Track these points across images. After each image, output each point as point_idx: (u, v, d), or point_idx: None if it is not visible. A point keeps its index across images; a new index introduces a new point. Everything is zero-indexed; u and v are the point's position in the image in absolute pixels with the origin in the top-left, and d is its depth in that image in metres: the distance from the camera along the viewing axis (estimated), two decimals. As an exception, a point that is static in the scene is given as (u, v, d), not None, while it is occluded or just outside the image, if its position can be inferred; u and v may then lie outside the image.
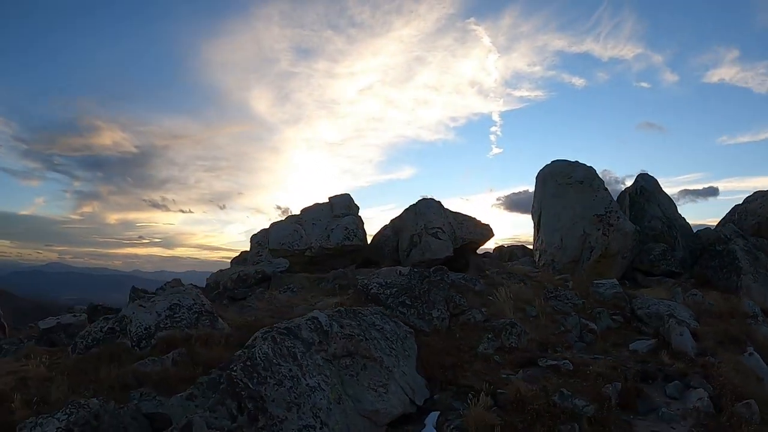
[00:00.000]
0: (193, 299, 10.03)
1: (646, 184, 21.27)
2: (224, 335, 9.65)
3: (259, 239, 17.79)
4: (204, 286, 14.91)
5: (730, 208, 20.81)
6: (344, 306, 11.63)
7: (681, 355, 10.78)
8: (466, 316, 11.70)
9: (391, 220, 18.44)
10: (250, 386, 6.02)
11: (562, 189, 18.76)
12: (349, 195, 17.97)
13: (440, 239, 15.66)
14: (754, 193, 20.13)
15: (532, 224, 20.37)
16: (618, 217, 17.25)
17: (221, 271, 14.43)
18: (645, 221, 19.63)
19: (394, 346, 8.83)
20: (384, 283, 11.55)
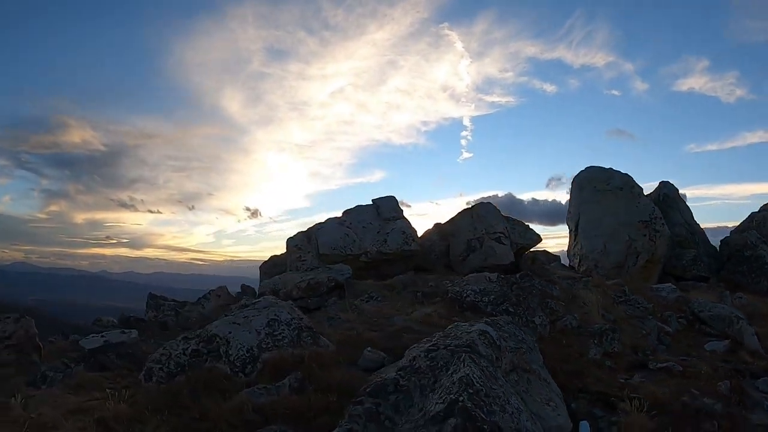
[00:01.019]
0: (289, 313, 8.70)
1: (669, 192, 21.24)
2: (331, 353, 8.08)
3: (297, 243, 16.60)
4: (202, 291, 13.63)
5: (697, 213, 21.08)
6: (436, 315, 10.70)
7: (756, 353, 10.94)
8: (562, 322, 11.16)
9: (435, 225, 17.62)
10: (486, 418, 5.01)
11: (602, 195, 18.54)
12: (395, 198, 17.07)
13: (503, 244, 14.98)
14: (769, 202, 20.53)
15: (568, 230, 19.87)
16: (663, 224, 17.14)
17: (279, 277, 13.19)
18: (670, 227, 19.48)
19: (534, 357, 7.99)
20: (478, 291, 10.95)
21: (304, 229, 16.96)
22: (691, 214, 21.62)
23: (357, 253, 14.84)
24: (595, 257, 17.85)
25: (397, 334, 8.95)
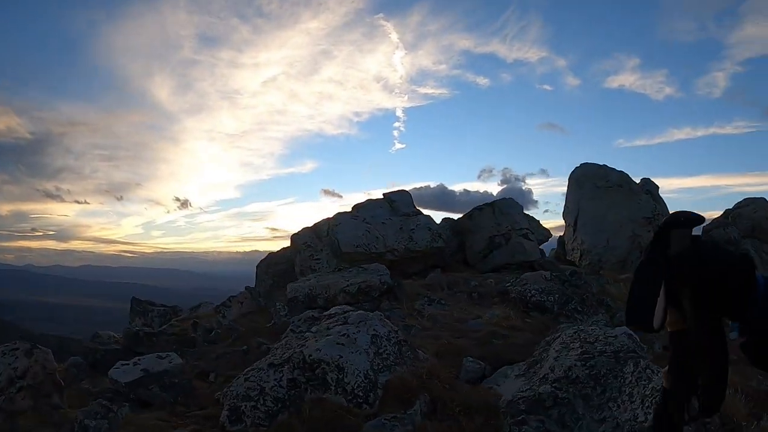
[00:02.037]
0: (384, 325, 7.08)
1: (652, 189, 21.07)
2: (441, 367, 7.12)
3: (306, 240, 14.68)
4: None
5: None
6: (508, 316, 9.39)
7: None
8: (617, 320, 10.40)
9: (444, 219, 16.28)
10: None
11: (602, 192, 18.20)
12: (409, 193, 15.61)
13: (531, 240, 13.89)
14: (745, 199, 21.00)
15: (565, 224, 19.25)
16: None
17: (311, 279, 11.23)
18: (653, 223, 19.46)
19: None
20: (541, 290, 10.35)
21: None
22: (667, 209, 21.70)
23: (382, 251, 13.20)
24: (598, 252, 17.44)
25: (486, 340, 8.15)
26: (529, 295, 10.11)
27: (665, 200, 19.58)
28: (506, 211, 14.67)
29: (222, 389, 6.84)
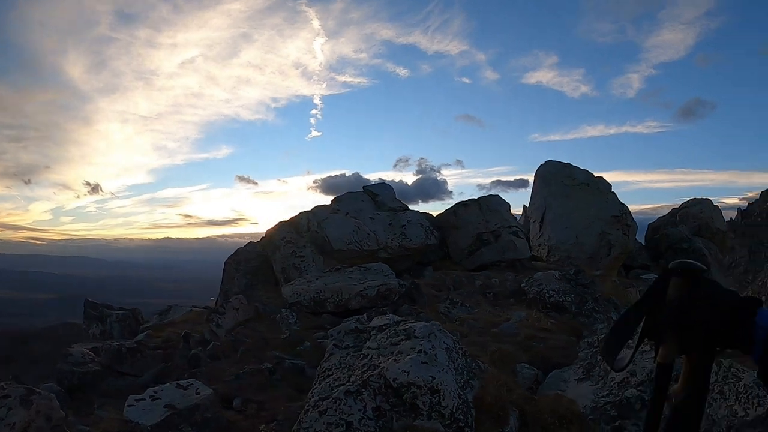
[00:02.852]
0: (445, 335, 6.25)
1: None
2: (506, 377, 6.39)
3: (285, 235, 13.33)
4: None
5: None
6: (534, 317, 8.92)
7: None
8: None
9: (422, 215, 15.51)
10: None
11: (570, 190, 18.33)
12: (391, 187, 14.67)
13: (521, 238, 13.44)
14: (692, 199, 21.93)
15: (530, 220, 19.21)
16: (632, 219, 17.15)
17: (317, 281, 10.00)
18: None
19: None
20: (558, 290, 10.16)
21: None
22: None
23: (375, 248, 12.21)
24: (567, 248, 17.50)
25: (527, 344, 7.82)
26: (548, 295, 9.89)
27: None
28: (495, 208, 14.18)
29: (260, 418, 5.65)
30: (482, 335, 7.97)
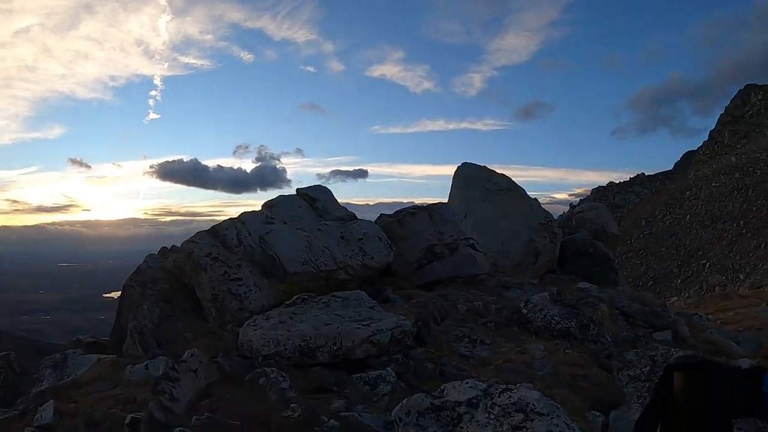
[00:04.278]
0: (539, 396, 4.91)
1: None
2: None
3: (209, 250, 10.48)
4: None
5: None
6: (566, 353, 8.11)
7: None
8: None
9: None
10: None
11: (492, 195, 18.01)
12: (329, 189, 12.60)
13: (479, 251, 12.42)
14: (588, 203, 23.26)
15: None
16: (557, 226, 17.37)
17: (287, 325, 7.63)
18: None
19: None
20: (561, 315, 9.49)
21: None
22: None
23: (332, 269, 10.09)
24: (492, 255, 17.05)
25: (573, 385, 7.08)
26: (554, 322, 8.98)
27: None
28: (448, 218, 12.86)
29: None
30: (531, 381, 6.66)
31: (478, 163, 19.15)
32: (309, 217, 11.76)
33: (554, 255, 17.29)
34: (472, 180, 18.42)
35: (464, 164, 19.18)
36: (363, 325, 7.15)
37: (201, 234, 10.99)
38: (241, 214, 11.49)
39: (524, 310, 9.19)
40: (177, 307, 10.64)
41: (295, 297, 8.77)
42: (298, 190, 12.54)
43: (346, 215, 11.93)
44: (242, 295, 9.77)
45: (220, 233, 10.84)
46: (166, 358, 7.83)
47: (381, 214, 14.43)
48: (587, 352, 8.13)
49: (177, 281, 11.05)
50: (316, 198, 12.23)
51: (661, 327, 12.14)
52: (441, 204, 13.40)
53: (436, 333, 7.84)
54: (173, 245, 13.20)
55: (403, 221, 13.04)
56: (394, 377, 6.61)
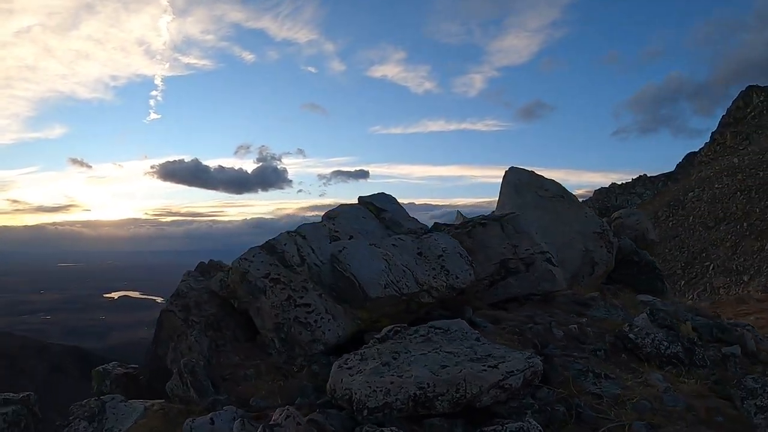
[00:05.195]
0: None
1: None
2: None
3: (266, 269, 8.98)
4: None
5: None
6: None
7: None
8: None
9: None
10: None
11: (546, 202, 16.45)
12: (395, 198, 11.12)
13: (556, 266, 10.98)
14: (627, 209, 21.83)
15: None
16: (613, 235, 15.92)
17: (399, 371, 6.16)
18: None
19: None
20: (668, 339, 8.16)
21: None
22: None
23: (414, 291, 8.62)
24: (548, 268, 15.52)
25: (711, 422, 5.82)
26: (663, 347, 7.76)
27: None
28: (522, 230, 11.39)
29: None
30: (668, 419, 5.34)
31: (525, 168, 17.76)
32: (377, 230, 10.27)
33: (611, 265, 15.86)
34: (523, 186, 16.93)
35: (512, 169, 17.71)
36: (489, 366, 5.67)
37: (255, 250, 9.42)
38: (300, 227, 9.97)
39: (631, 335, 7.81)
40: (228, 336, 9.08)
41: (386, 329, 7.25)
42: (360, 198, 11.05)
43: (418, 228, 10.45)
44: (313, 324, 8.25)
45: (278, 249, 9.28)
46: (235, 409, 6.34)
47: (435, 222, 13.02)
48: (700, 379, 6.87)
49: (226, 304, 9.49)
50: (382, 208, 10.73)
51: (728, 341, 10.92)
52: (512, 214, 11.90)
53: (560, 368, 6.42)
54: (211, 260, 11.69)
55: (472, 233, 11.53)
56: (539, 429, 5.17)
